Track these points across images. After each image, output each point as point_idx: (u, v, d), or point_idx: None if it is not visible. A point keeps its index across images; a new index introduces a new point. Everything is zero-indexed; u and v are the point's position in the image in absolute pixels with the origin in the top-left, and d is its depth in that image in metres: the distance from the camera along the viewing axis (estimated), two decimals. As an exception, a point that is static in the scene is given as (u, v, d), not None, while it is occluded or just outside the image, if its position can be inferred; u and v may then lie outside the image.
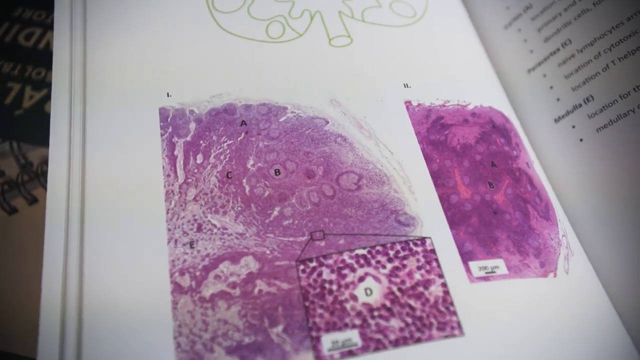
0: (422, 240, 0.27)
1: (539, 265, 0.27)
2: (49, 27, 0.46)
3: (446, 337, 0.24)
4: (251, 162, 0.28)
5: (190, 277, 0.26)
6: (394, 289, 0.25)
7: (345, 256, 0.26)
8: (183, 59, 0.31)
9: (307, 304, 0.25)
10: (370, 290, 0.25)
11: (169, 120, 0.29)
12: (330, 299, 0.25)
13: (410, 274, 0.26)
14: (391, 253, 0.26)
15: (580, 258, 0.30)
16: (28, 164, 0.39)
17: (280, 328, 0.24)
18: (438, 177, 0.29)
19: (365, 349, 0.24)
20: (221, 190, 0.28)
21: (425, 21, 0.35)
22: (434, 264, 0.26)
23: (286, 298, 0.25)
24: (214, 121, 0.29)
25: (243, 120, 0.30)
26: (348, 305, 0.25)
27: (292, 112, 0.30)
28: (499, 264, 0.27)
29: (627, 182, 0.30)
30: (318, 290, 0.25)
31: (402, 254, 0.26)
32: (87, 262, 0.26)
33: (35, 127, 0.40)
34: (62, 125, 0.29)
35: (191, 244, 0.26)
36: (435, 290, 0.25)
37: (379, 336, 0.24)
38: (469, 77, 0.33)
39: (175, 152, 0.29)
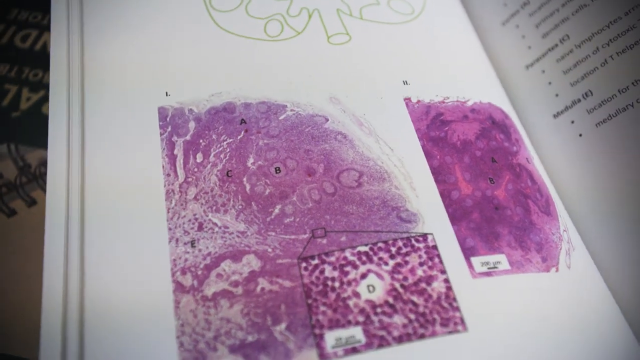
0: (424, 236, 0.27)
1: (541, 260, 0.27)
2: (45, 28, 0.46)
3: (450, 332, 0.24)
4: (251, 160, 0.28)
5: (192, 276, 0.26)
6: (397, 285, 0.25)
7: (347, 253, 0.26)
8: (181, 58, 0.31)
9: (309, 301, 0.25)
10: (372, 287, 0.25)
11: (168, 119, 0.29)
12: (332, 296, 0.25)
13: (412, 271, 0.26)
14: (393, 250, 0.26)
15: (582, 252, 0.30)
16: (26, 165, 0.39)
17: (283, 326, 0.24)
18: (439, 174, 0.29)
19: (369, 345, 0.24)
20: (222, 188, 0.28)
21: (423, 18, 0.35)
22: (436, 260, 0.26)
23: (289, 296, 0.25)
24: (214, 120, 0.29)
25: (243, 119, 0.29)
26: (351, 302, 0.25)
27: (291, 110, 0.30)
28: (501, 260, 0.27)
29: (627, 176, 0.30)
30: (320, 287, 0.25)
31: (404, 250, 0.26)
32: (88, 262, 0.26)
33: (32, 129, 0.40)
34: (60, 126, 0.29)
35: (192, 243, 0.26)
36: (438, 286, 0.25)
37: (383, 333, 0.24)
38: (468, 73, 0.34)
39: (175, 152, 0.29)
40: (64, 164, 0.28)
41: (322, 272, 0.25)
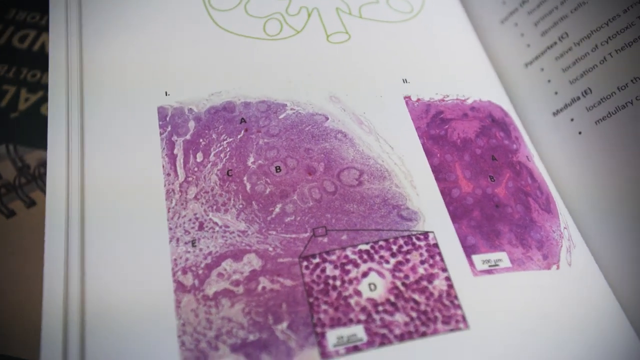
0: (425, 234, 0.27)
1: (542, 257, 0.27)
2: (43, 29, 0.45)
3: (451, 330, 0.24)
4: (251, 159, 0.28)
5: (193, 275, 0.25)
6: (398, 283, 0.25)
7: (349, 252, 0.26)
8: (181, 58, 0.31)
9: (311, 300, 0.25)
10: (374, 285, 0.25)
11: (167, 119, 0.29)
12: (334, 294, 0.25)
13: (413, 269, 0.26)
14: (394, 248, 0.26)
15: (582, 250, 0.30)
16: (25, 166, 0.39)
17: (284, 325, 0.24)
18: (439, 172, 0.29)
19: (370, 344, 0.24)
20: (222, 188, 0.28)
21: (423, 16, 0.35)
22: (437, 258, 0.26)
23: (290, 295, 0.25)
24: (213, 119, 0.29)
25: (242, 118, 0.29)
26: (352, 301, 0.25)
27: (291, 109, 0.30)
28: (502, 257, 0.27)
29: (626, 173, 0.30)
30: (322, 286, 0.25)
31: (405, 248, 0.26)
32: (89, 263, 0.26)
33: (31, 130, 0.40)
34: (60, 127, 0.29)
35: (193, 243, 0.26)
36: (439, 284, 0.25)
37: (384, 331, 0.24)
38: (467, 71, 0.34)
39: (175, 151, 0.29)
40: (63, 164, 0.28)
41: (323, 270, 0.25)
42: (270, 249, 0.26)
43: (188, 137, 0.29)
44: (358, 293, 0.25)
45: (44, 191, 0.38)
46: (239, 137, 0.29)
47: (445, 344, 0.24)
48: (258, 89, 0.30)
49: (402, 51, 0.33)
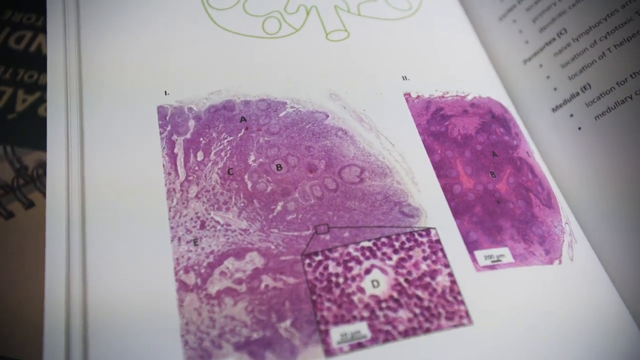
0: (427, 230, 0.27)
1: (544, 252, 0.27)
2: (40, 30, 0.45)
3: (455, 326, 0.24)
4: (252, 157, 0.28)
5: (196, 274, 0.25)
6: (401, 280, 0.25)
7: (351, 249, 0.26)
8: (180, 57, 0.31)
9: (314, 297, 0.25)
10: (377, 282, 0.25)
11: (167, 118, 0.29)
12: (337, 292, 0.25)
13: (416, 265, 0.26)
14: (396, 244, 0.26)
15: (584, 245, 0.30)
16: (23, 167, 0.39)
17: (288, 322, 0.24)
18: (440, 168, 0.29)
19: (374, 340, 0.24)
20: (223, 186, 0.27)
21: (421, 14, 0.35)
22: (440, 254, 0.26)
23: (293, 292, 0.25)
24: (213, 118, 0.29)
25: (242, 117, 0.29)
26: (355, 298, 0.25)
27: (291, 107, 0.30)
28: (504, 253, 0.27)
29: (627, 168, 0.30)
30: (325, 283, 0.25)
31: (407, 245, 0.26)
32: (90, 263, 0.26)
33: (29, 131, 0.40)
34: (59, 127, 0.29)
35: (195, 242, 0.26)
36: (442, 280, 0.25)
37: (388, 327, 0.24)
38: (466, 68, 0.34)
39: (175, 150, 0.28)
40: (63, 165, 0.28)
41: (325, 268, 0.25)
42: (273, 247, 0.26)
43: (188, 136, 0.29)
44: (361, 290, 0.25)
45: (42, 192, 0.38)
46: (239, 135, 0.29)
47: (449, 340, 0.24)
48: (258, 88, 0.30)
49: (401, 48, 0.33)
